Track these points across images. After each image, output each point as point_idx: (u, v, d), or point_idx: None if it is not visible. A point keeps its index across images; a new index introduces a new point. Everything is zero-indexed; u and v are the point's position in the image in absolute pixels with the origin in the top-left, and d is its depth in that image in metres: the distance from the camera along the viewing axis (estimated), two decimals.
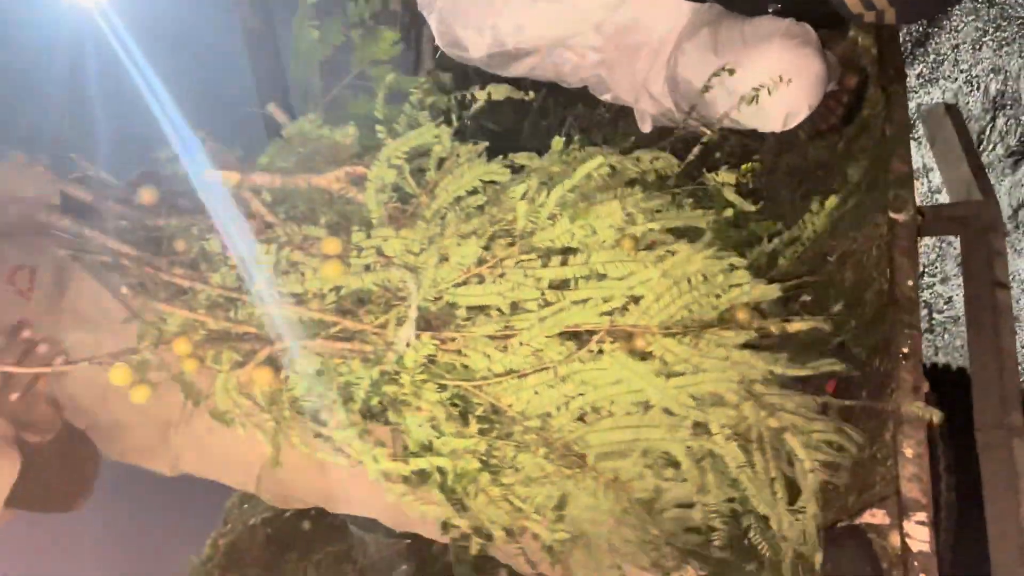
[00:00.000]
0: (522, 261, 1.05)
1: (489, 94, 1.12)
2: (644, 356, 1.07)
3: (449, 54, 1.65)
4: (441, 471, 1.07)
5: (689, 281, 1.07)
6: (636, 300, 1.06)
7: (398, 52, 1.16)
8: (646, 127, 1.69)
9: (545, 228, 1.05)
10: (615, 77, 1.67)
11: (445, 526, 1.10)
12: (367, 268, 1.02)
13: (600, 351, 1.04)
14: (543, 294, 1.04)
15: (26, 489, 1.06)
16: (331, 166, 1.05)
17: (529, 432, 1.04)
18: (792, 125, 1.39)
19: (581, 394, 1.05)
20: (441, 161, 1.10)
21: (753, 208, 1.22)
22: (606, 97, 1.74)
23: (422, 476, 1.08)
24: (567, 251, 1.07)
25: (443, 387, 1.04)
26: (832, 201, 1.34)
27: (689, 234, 1.16)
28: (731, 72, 1.33)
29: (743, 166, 1.28)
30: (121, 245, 0.98)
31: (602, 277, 1.05)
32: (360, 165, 1.04)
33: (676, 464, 1.08)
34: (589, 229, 1.05)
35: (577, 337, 1.06)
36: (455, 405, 1.05)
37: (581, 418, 1.07)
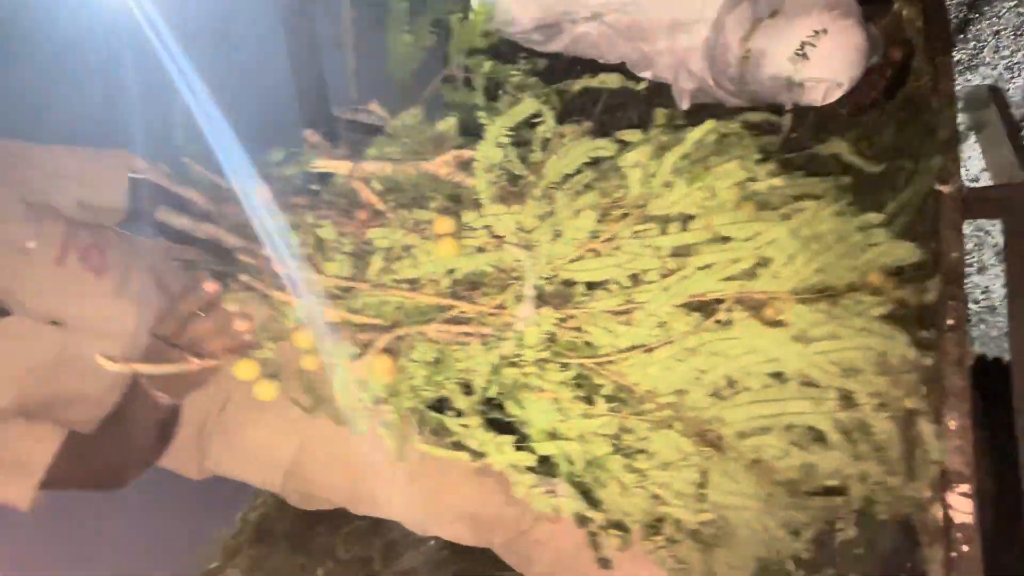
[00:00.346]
0: (638, 231, 1.01)
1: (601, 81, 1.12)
2: (775, 324, 1.00)
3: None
4: (569, 460, 1.01)
5: (821, 241, 1.01)
6: (764, 264, 1.00)
7: (493, 42, 1.16)
8: (685, 104, 1.67)
9: (660, 195, 1.01)
10: (655, 53, 1.65)
11: (580, 519, 1.03)
12: (480, 250, 1.00)
13: (729, 320, 0.98)
14: (664, 263, 0.99)
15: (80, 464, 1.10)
16: (436, 155, 1.05)
17: (662, 410, 0.98)
18: (832, 99, 1.37)
19: (713, 367, 0.99)
20: (545, 142, 1.08)
21: (878, 169, 1.15)
22: (646, 74, 1.71)
23: (549, 468, 1.03)
24: (684, 218, 1.02)
25: (565, 367, 0.99)
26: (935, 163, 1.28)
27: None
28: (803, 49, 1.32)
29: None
30: (239, 239, 0.98)
31: (726, 240, 1.00)
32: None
33: (821, 440, 1.00)
34: (708, 192, 1.00)
35: (704, 307, 1.00)
36: (579, 386, 1.00)
37: (715, 394, 1.01)
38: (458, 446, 1.04)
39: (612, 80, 1.14)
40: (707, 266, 0.99)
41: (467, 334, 0.99)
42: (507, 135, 1.03)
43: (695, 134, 1.01)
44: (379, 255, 0.99)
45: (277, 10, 1.68)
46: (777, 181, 1.00)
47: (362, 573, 1.78)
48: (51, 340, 1.11)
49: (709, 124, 1.03)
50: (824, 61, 1.31)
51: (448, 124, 1.09)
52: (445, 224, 0.97)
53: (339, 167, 0.99)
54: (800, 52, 1.31)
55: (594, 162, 1.08)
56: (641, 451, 0.99)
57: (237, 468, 1.28)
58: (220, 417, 1.22)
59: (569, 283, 1.01)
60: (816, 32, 1.30)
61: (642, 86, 1.19)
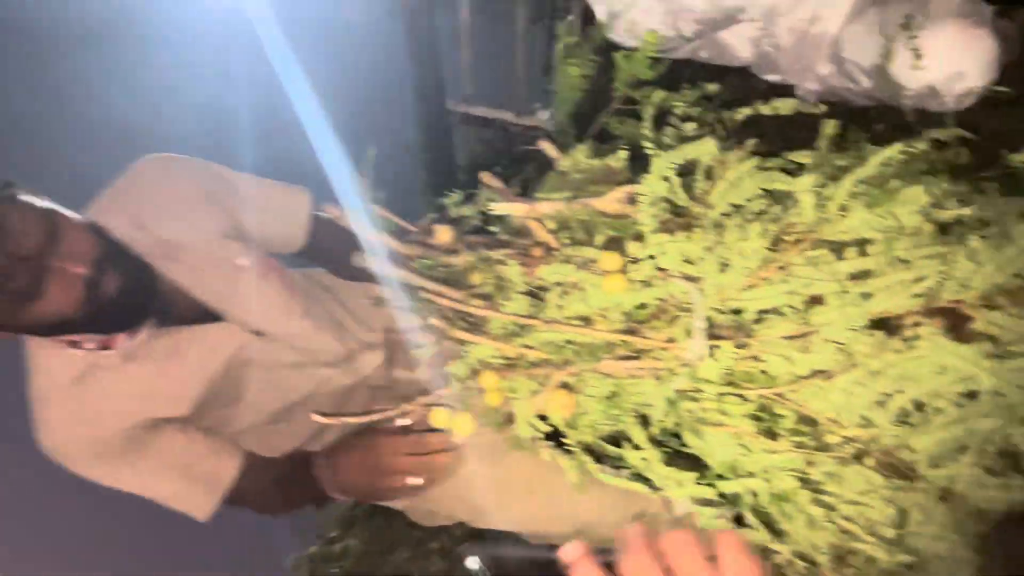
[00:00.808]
0: (812, 257, 0.99)
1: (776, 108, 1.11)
2: (964, 337, 0.95)
3: (615, 39, 1.71)
4: (753, 492, 1.00)
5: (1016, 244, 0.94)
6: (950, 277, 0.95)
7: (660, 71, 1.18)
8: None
9: (836, 220, 0.98)
10: (782, 55, 1.69)
11: (764, 552, 1.02)
12: (646, 284, 1.01)
13: (916, 336, 0.94)
14: (841, 285, 0.96)
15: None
16: (605, 189, 1.08)
17: (847, 440, 0.95)
18: (966, 105, 1.40)
19: (899, 391, 0.95)
20: (708, 169, 1.08)
21: None
22: (771, 77, 1.74)
23: (732, 499, 1.02)
24: (860, 242, 0.99)
25: (744, 399, 0.99)
26: None
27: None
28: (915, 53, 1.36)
29: None
30: (428, 282, 1.06)
31: (906, 262, 0.96)
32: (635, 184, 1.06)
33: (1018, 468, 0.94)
34: (889, 217, 0.96)
35: (885, 325, 0.96)
36: (758, 419, 0.99)
37: (902, 420, 0.96)
38: (637, 477, 1.06)
39: (786, 106, 1.13)
40: (889, 286, 0.96)
41: (640, 369, 1.00)
42: (672, 167, 1.04)
43: (877, 157, 0.97)
44: (554, 292, 1.03)
45: (395, 4, 1.73)
46: (967, 211, 0.95)
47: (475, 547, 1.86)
48: (255, 348, 1.25)
49: (896, 146, 0.99)
50: (956, 68, 1.35)
51: (620, 158, 1.12)
52: (612, 260, 0.99)
53: (516, 209, 1.04)
54: (926, 60, 1.35)
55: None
56: (831, 484, 0.97)
57: None
58: None
59: (737, 312, 1.01)
60: (946, 41, 1.34)
61: (822, 110, 1.17)
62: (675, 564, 0.53)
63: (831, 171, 1.03)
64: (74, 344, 1.14)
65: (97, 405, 1.15)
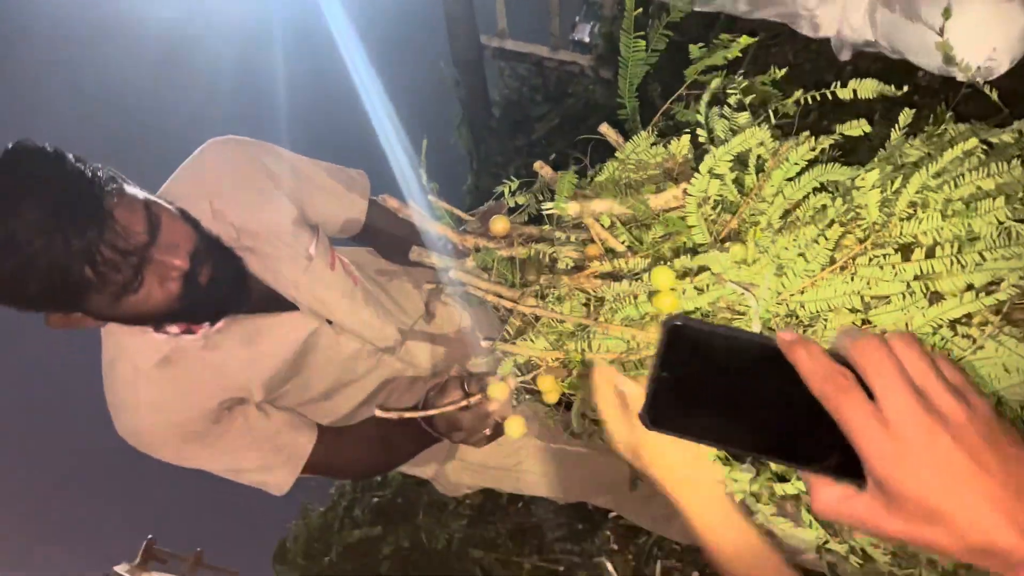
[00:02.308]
0: (876, 257, 0.95)
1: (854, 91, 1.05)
2: None
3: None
4: None
5: None
6: None
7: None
8: (844, 55, 1.77)
9: (905, 219, 0.93)
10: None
11: (819, 549, 1.03)
12: (699, 290, 0.99)
13: (982, 336, 0.90)
14: (908, 286, 0.93)
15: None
16: (666, 181, 1.05)
17: None
18: (992, 77, 1.37)
19: None
20: (760, 162, 1.04)
21: None
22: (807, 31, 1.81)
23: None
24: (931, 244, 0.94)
25: None
26: None
27: None
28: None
29: None
30: (481, 277, 1.07)
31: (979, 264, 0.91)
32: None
33: None
34: (963, 227, 0.91)
35: (950, 324, 0.93)
36: None
37: None
38: None
39: (866, 88, 1.06)
40: (960, 292, 0.92)
41: None
42: (725, 162, 1.00)
43: (950, 154, 0.91)
44: (609, 294, 1.03)
45: None
46: None
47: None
48: (323, 334, 1.29)
49: (972, 141, 0.93)
50: (985, 42, 1.33)
51: (682, 145, 1.08)
52: (663, 277, 0.95)
53: (568, 208, 1.03)
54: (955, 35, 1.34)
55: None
56: None
57: None
58: None
59: (791, 314, 0.98)
60: (975, 17, 1.32)
61: (901, 92, 1.09)
62: (904, 356, 0.53)
63: (899, 161, 0.98)
64: (158, 328, 1.18)
65: (182, 388, 1.19)
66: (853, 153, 1.07)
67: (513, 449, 1.40)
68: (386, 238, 1.40)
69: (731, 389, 0.59)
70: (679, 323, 0.59)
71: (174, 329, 1.19)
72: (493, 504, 2.22)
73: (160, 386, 1.18)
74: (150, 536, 3.20)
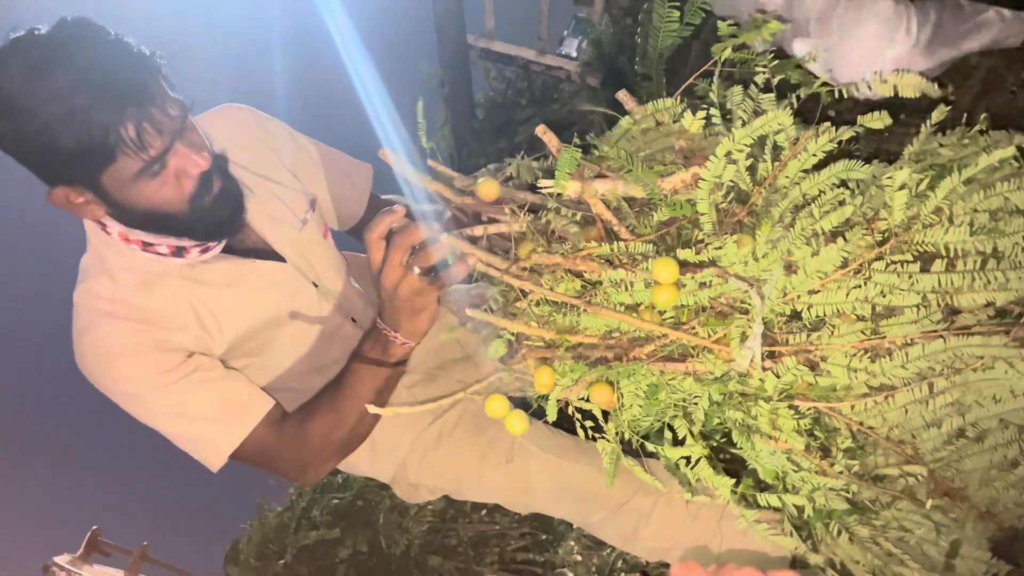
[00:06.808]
0: (893, 263, 0.89)
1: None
2: None
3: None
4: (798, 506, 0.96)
5: None
6: None
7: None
8: None
9: (931, 224, 0.87)
10: None
11: (795, 561, 0.99)
12: (702, 285, 0.93)
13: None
14: (924, 297, 0.87)
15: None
16: (677, 157, 0.99)
17: (902, 458, 0.89)
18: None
19: (968, 411, 0.88)
20: (776, 149, 0.97)
21: None
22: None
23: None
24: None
25: (798, 412, 0.92)
26: None
27: None
28: None
29: None
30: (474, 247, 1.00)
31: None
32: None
33: None
34: (990, 243, 0.85)
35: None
36: (811, 434, 0.93)
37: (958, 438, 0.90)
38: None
39: (908, 84, 0.99)
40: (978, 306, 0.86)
41: (684, 371, 0.94)
42: (744, 144, 0.93)
43: (984, 160, 0.84)
44: (605, 278, 0.97)
45: None
46: None
47: None
48: (308, 295, 1.25)
49: (1009, 149, 0.86)
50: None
51: (696, 121, 1.01)
52: (666, 270, 0.89)
53: (568, 188, 0.96)
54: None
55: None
56: (882, 509, 0.92)
57: (359, 462, 1.38)
58: None
59: (794, 316, 0.93)
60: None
61: (945, 93, 1.01)
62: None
63: (928, 165, 0.91)
64: (147, 246, 1.15)
65: (156, 308, 1.15)
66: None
67: (479, 454, 1.36)
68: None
69: None
70: None
71: (164, 249, 1.14)
72: (456, 511, 2.20)
73: (133, 304, 1.14)
74: (95, 527, 3.14)
